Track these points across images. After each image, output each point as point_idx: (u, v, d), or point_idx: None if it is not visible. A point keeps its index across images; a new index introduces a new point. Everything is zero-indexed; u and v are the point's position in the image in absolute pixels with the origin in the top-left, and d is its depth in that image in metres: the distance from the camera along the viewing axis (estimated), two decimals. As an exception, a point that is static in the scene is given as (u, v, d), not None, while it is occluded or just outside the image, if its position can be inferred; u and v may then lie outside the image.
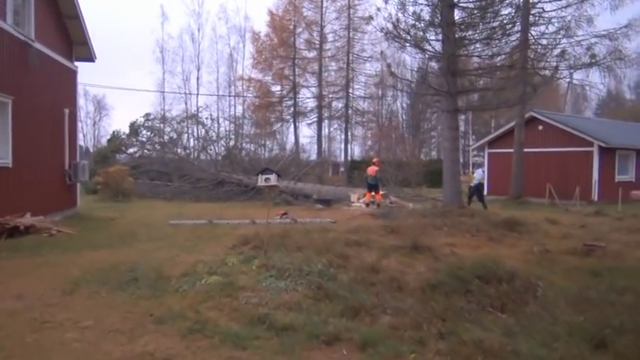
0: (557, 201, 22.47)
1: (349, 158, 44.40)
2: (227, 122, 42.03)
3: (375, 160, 20.51)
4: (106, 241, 11.00)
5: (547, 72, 18.98)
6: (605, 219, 16.03)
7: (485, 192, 27.58)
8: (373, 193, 19.40)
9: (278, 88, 44.69)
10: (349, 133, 46.48)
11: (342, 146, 54.51)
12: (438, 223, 12.30)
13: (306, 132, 50.52)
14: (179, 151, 29.73)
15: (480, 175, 20.27)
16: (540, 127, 26.53)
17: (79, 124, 56.72)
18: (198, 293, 6.32)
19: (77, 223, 13.68)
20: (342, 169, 46.79)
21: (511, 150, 25.61)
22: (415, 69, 17.83)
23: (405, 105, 57.35)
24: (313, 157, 41.66)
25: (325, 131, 49.04)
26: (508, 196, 24.18)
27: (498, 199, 24.81)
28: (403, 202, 20.76)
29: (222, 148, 29.78)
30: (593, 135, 24.81)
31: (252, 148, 31.91)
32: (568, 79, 17.01)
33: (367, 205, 19.31)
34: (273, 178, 8.79)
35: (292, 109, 42.94)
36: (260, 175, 8.86)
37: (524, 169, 24.39)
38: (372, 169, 19.30)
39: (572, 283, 6.69)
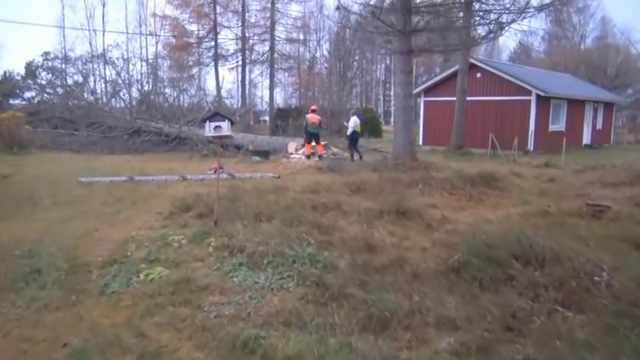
0: (499, 151, 21.81)
1: (275, 106, 41.89)
2: (141, 64, 37.83)
3: (314, 107, 18.53)
4: (-4, 208, 8.40)
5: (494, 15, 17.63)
6: (563, 172, 15.29)
7: (420, 142, 26.73)
8: (314, 144, 17.54)
9: (196, 27, 40.75)
10: (274, 80, 43.79)
11: (267, 93, 51.88)
12: (405, 179, 10.72)
13: (227, 77, 47.25)
14: (86, 96, 26.03)
15: (354, 122, 18.19)
16: (478, 75, 25.59)
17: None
18: (138, 297, 4.26)
19: (-43, 184, 10.75)
20: (265, 117, 44.27)
21: (449, 98, 24.59)
22: (362, 3, 15.66)
23: (327, 52, 55.24)
24: (236, 104, 38.81)
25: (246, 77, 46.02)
26: (448, 147, 23.24)
27: (436, 149, 23.91)
28: (345, 154, 19.09)
29: (137, 93, 26.39)
30: (531, 83, 24.23)
31: (172, 94, 28.58)
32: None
33: (308, 156, 17.45)
34: (225, 127, 6.67)
35: (213, 51, 39.38)
36: (207, 122, 6.69)
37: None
38: (314, 117, 17.33)
39: (624, 260, 5.31)
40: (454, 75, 25.73)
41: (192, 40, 39.97)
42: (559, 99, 25.92)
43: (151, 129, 22.26)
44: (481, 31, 16.32)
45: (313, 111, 17.70)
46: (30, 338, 3.61)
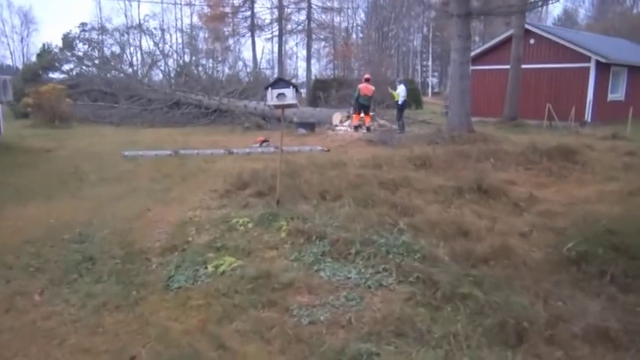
0: (557, 123, 20.47)
1: (312, 77, 40.87)
2: (178, 35, 37.23)
3: (367, 76, 17.49)
4: (41, 185, 7.89)
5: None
6: (637, 144, 14.01)
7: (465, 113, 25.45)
8: (362, 115, 16.64)
9: (232, -4, 39.85)
10: (312, 50, 42.71)
11: (302, 65, 50.83)
12: (473, 152, 9.79)
13: (262, 49, 46.34)
14: (124, 67, 25.58)
15: (404, 91, 17.12)
16: (532, 41, 23.97)
17: (2, 39, 50.04)
18: (210, 295, 3.58)
19: (1, 158, 10.34)
20: (302, 89, 43.32)
21: (499, 67, 23.21)
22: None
23: (362, 22, 53.62)
24: (274, 75, 37.90)
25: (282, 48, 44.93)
26: (500, 119, 21.95)
27: (485, 121, 22.64)
28: (392, 126, 18.14)
29: (175, 65, 25.80)
30: (591, 49, 22.57)
31: (211, 64, 27.88)
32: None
33: (356, 128, 16.60)
34: (289, 94, 5.89)
35: (249, 21, 38.46)
36: (270, 89, 5.91)
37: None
38: (367, 88, 16.37)
39: None
40: (504, 42, 24.25)
41: (227, 10, 39.10)
42: (619, 66, 24.14)
43: (191, 101, 21.69)
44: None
45: (367, 80, 16.73)
46: (89, 349, 2.98)
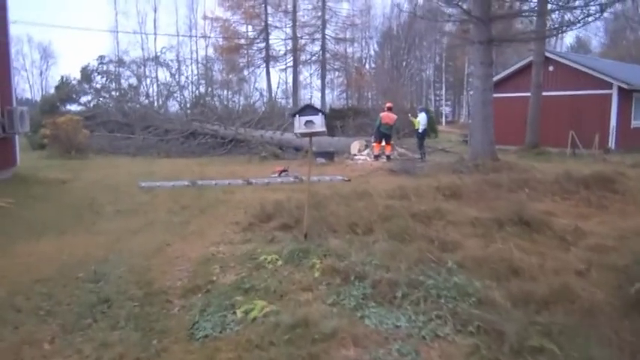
0: (581, 150, 19.94)
1: (327, 106, 40.82)
2: (192, 67, 37.53)
3: (389, 104, 17.20)
4: (55, 217, 7.57)
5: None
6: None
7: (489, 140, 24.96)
8: (383, 144, 16.28)
9: (247, 29, 40.26)
10: (326, 80, 42.82)
11: (316, 94, 51.01)
12: (503, 181, 9.33)
13: (276, 79, 46.60)
14: (141, 99, 25.65)
15: (424, 119, 16.94)
16: (551, 68, 23.67)
17: (22, 73, 50.86)
18: (242, 348, 3.12)
19: (15, 189, 10.08)
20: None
21: (518, 94, 22.88)
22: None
23: (374, 52, 53.79)
24: (289, 105, 37.95)
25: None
26: (521, 147, 21.47)
27: (504, 149, 22.16)
28: (412, 155, 17.76)
29: (192, 95, 25.82)
30: (612, 75, 22.17)
31: (227, 95, 27.87)
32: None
33: (376, 157, 16.23)
34: (318, 121, 5.54)
35: (264, 52, 38.75)
36: (297, 116, 5.56)
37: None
38: (389, 117, 16.06)
39: None
40: (522, 70, 23.99)
41: (243, 42, 39.48)
42: (642, 92, 23.62)
43: (207, 131, 21.59)
44: (567, 16, 14.64)
45: (389, 109, 16.44)
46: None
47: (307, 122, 5.53)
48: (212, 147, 20.93)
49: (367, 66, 52.96)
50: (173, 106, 26.74)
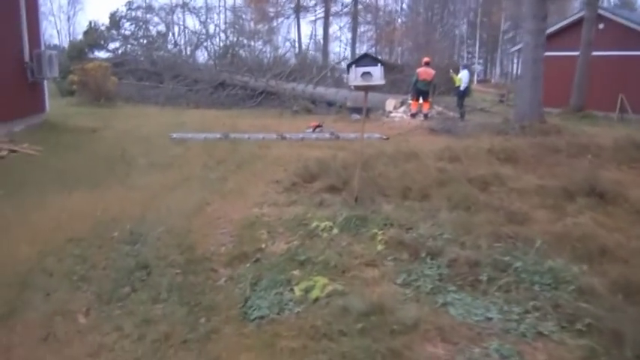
0: (629, 115, 18.85)
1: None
2: (222, 15, 36.48)
3: (426, 59, 16.25)
4: (86, 170, 7.19)
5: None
6: None
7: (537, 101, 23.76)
8: (421, 102, 15.48)
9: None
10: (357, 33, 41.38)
11: (344, 49, 49.62)
12: (562, 146, 8.62)
13: (305, 31, 45.30)
14: (169, 47, 25.01)
15: (467, 77, 16.03)
16: (601, 26, 22.16)
17: (50, 18, 50.39)
18: (307, 335, 2.66)
19: (44, 137, 9.75)
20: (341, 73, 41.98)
21: (563, 53, 21.51)
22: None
23: (406, 5, 51.65)
24: (319, 58, 36.81)
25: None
26: (564, 109, 20.36)
27: (549, 111, 21.08)
28: (451, 113, 16.93)
29: (221, 45, 25.05)
30: (668, 35, 20.70)
31: (258, 45, 27.01)
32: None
33: (413, 115, 15.47)
34: (377, 73, 4.92)
35: (294, 1, 37.38)
36: (353, 66, 4.95)
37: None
38: (427, 72, 15.16)
39: None
40: (568, 27, 22.57)
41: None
42: (698, 54, 22.04)
43: (236, 82, 20.95)
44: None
45: (426, 64, 15.53)
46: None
47: (364, 74, 4.93)
48: (242, 99, 20.35)
49: (399, 20, 51.11)
50: (202, 56, 26.11)
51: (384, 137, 11.84)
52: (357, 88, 5.14)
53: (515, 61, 65.88)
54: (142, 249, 4.00)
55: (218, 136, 11.07)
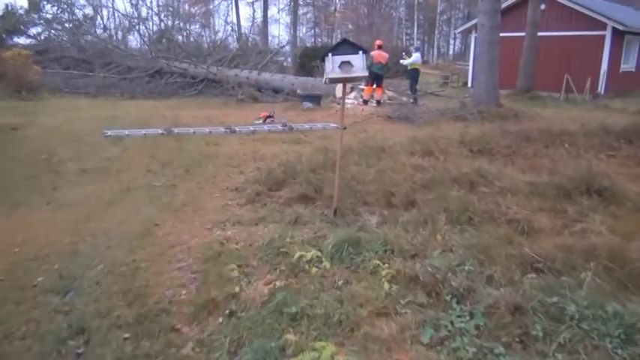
0: (574, 95, 19.00)
1: (301, 44, 38.51)
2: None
3: (379, 42, 15.55)
4: (3, 180, 6.00)
5: None
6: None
7: (470, 84, 23.70)
8: (375, 87, 14.81)
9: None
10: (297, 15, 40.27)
11: (282, 32, 48.41)
12: (533, 134, 8.15)
13: (244, 14, 43.66)
14: (98, 31, 23.13)
15: (417, 59, 15.85)
16: (543, 6, 22.24)
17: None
18: None
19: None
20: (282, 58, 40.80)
21: (508, 34, 21.48)
22: None
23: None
24: (259, 41, 35.47)
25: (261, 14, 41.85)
26: (512, 90, 20.31)
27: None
28: (403, 98, 16.39)
29: (156, 29, 23.37)
30: (607, 15, 20.99)
31: (195, 29, 25.43)
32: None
33: (366, 102, 14.80)
34: (358, 63, 4.12)
35: (232, -17, 35.80)
36: (330, 55, 4.12)
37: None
38: (381, 55, 14.46)
39: None
40: (511, 8, 22.55)
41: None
42: (633, 34, 22.62)
43: (175, 70, 19.58)
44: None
45: (379, 47, 14.84)
46: None
47: (343, 64, 4.12)
48: (181, 87, 19.04)
49: (338, 2, 50.29)
50: (135, 41, 24.37)
51: (342, 127, 11.08)
52: (334, 80, 4.31)
53: (452, 42, 66.93)
54: (76, 301, 3.06)
55: (160, 131, 9.95)
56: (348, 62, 4.13)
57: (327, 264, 3.26)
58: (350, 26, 46.29)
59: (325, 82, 4.26)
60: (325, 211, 4.57)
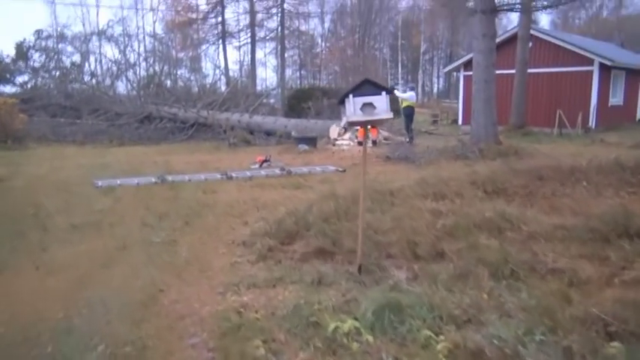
0: (568, 129, 18.99)
1: (287, 86, 38.59)
2: (143, 43, 34.39)
3: (371, 82, 15.50)
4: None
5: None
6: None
7: (460, 122, 23.67)
8: (369, 127, 14.57)
9: (200, 1, 37.31)
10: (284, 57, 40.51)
11: (270, 74, 48.79)
12: (549, 173, 7.83)
13: (231, 57, 43.95)
14: (86, 78, 22.88)
15: (414, 98, 15.77)
16: (530, 44, 22.54)
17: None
18: None
19: None
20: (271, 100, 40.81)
21: (499, 71, 21.70)
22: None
23: (328, 30, 51.57)
24: (247, 85, 35.45)
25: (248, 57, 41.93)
26: (506, 126, 20.25)
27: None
28: (398, 138, 16.17)
29: (145, 74, 23.18)
30: (595, 52, 21.29)
31: (184, 73, 25.30)
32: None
33: (361, 143, 14.52)
34: (382, 105, 3.76)
35: (219, 27, 35.98)
36: (351, 97, 3.76)
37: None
38: (374, 97, 14.34)
39: None
40: (499, 45, 22.78)
41: (195, 16, 36.55)
42: (619, 69, 22.94)
43: (164, 114, 19.29)
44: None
45: None
46: None
47: (365, 106, 3.76)
48: (171, 132, 18.71)
49: (323, 44, 50.96)
50: (122, 87, 24.12)
51: (341, 169, 10.75)
52: (354, 124, 3.94)
53: (435, 81, 68.10)
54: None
55: (153, 180, 9.51)
56: (370, 104, 3.77)
57: (368, 337, 2.80)
58: (336, 68, 46.76)
59: (344, 127, 3.88)
60: (348, 267, 4.13)
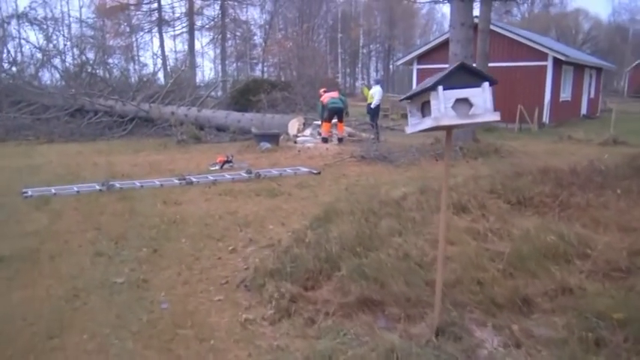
0: (529, 125, 18.66)
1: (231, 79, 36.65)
2: (71, 28, 31.38)
3: (323, 90, 14.40)
4: None
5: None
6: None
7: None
8: (335, 122, 13.39)
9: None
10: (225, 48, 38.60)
11: (209, 65, 46.59)
12: (566, 177, 6.92)
13: (168, 47, 41.44)
14: (5, 66, 20.24)
15: (379, 93, 14.87)
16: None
17: None
18: None
19: None
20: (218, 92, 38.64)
21: (447, 65, 21.16)
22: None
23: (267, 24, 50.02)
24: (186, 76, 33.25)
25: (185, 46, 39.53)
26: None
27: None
28: (363, 134, 15.06)
29: (75, 63, 20.75)
30: (549, 46, 21.18)
31: (120, 63, 22.93)
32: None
33: (325, 140, 13.30)
34: (481, 101, 2.55)
35: (156, 15, 33.55)
36: (440, 88, 2.52)
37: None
38: (333, 96, 13.31)
39: None
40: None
41: (128, 1, 33.89)
42: (569, 64, 23.00)
43: (99, 107, 17.20)
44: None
45: (325, 91, 14.13)
46: None
47: (459, 101, 2.53)
48: (108, 127, 16.69)
49: (263, 35, 49.24)
50: (49, 77, 21.60)
51: (315, 171, 9.48)
52: (440, 128, 2.70)
53: (373, 74, 67.95)
54: None
55: (97, 187, 7.88)
56: (466, 99, 2.55)
57: None
58: (277, 60, 45.24)
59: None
60: (411, 326, 2.91)
